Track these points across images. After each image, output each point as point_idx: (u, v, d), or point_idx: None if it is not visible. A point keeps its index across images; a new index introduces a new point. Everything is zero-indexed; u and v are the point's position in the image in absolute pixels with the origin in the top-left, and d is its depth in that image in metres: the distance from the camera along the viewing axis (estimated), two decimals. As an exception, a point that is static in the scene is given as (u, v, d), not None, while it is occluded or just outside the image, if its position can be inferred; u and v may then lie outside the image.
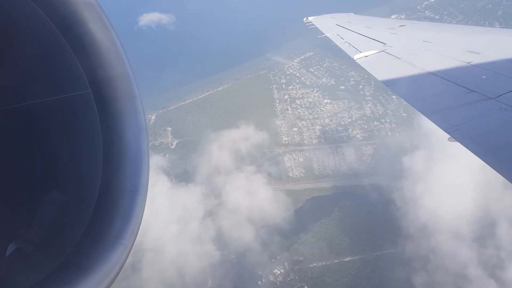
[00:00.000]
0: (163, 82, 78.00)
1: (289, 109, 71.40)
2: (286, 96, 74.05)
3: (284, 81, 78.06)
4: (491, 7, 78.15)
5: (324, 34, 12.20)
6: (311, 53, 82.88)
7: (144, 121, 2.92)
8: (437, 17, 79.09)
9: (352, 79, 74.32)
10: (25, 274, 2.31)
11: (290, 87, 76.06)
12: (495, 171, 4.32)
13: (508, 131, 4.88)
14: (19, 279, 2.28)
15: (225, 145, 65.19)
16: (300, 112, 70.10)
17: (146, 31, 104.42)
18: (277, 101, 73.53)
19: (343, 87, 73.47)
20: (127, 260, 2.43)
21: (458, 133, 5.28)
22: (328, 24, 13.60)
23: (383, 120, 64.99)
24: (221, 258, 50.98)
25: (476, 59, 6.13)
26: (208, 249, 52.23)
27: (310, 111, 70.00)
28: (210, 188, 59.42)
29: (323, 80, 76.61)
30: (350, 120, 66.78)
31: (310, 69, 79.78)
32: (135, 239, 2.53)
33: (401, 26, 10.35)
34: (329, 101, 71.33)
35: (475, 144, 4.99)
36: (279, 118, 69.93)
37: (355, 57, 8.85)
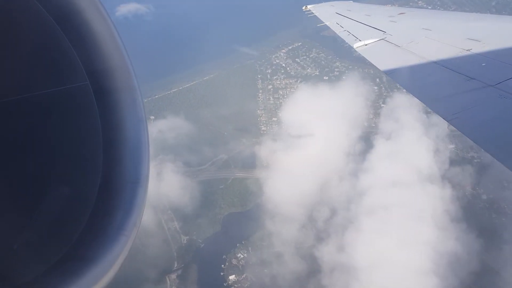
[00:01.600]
0: (149, 71, 76.37)
1: (271, 99, 71.41)
2: (270, 86, 73.88)
3: (269, 71, 77.75)
4: (486, -3, 78.29)
5: (324, 22, 12.05)
6: (299, 43, 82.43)
7: (144, 112, 2.90)
8: (430, 8, 78.93)
9: (336, 69, 74.62)
10: (28, 266, 2.28)
11: (274, 77, 75.87)
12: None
13: (507, 118, 4.85)
14: (22, 271, 2.24)
15: (202, 134, 65.54)
16: (281, 102, 70.21)
17: (123, 21, 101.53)
18: (260, 91, 73.38)
19: (327, 78, 73.68)
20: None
21: (458, 121, 5.23)
22: (327, 13, 13.45)
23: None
24: (187, 243, 52.64)
25: (476, 47, 6.10)
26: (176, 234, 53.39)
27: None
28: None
29: (307, 70, 76.56)
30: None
31: (297, 59, 79.38)
32: (137, 231, 2.51)
33: (400, 14, 10.29)
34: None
35: (475, 132, 4.97)
36: (260, 108, 69.97)
37: (354, 46, 8.73)
